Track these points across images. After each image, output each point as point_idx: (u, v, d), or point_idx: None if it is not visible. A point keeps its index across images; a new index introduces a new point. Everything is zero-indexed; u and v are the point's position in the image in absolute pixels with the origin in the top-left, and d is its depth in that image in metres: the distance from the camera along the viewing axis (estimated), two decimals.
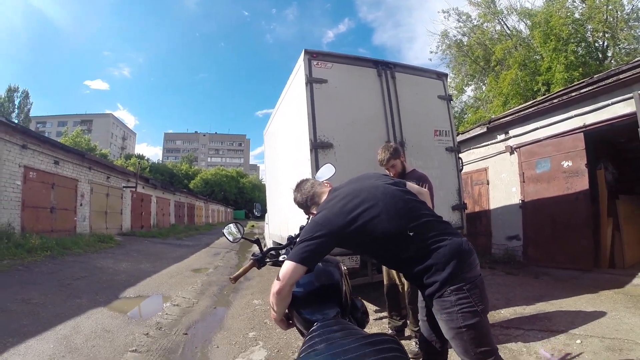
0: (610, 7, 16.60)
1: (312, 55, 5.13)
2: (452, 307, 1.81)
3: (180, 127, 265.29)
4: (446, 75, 6.40)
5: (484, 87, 22.39)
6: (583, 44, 17.91)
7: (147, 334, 4.64)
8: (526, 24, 20.39)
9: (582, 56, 17.61)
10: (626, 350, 3.53)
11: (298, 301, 1.89)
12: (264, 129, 9.83)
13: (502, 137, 9.43)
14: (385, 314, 4.56)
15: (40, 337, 4.31)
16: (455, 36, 22.88)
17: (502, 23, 21.49)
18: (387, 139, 5.19)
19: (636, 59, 6.97)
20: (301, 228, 2.25)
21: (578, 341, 3.81)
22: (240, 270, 2.06)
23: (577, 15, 17.66)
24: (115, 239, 15.45)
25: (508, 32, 21.25)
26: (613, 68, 7.48)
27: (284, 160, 6.94)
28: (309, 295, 1.91)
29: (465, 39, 22.69)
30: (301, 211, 2.36)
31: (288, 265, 1.77)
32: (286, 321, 2.00)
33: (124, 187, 19.72)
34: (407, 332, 4.09)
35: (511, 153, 9.09)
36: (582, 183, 7.44)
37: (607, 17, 16.89)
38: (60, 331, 4.57)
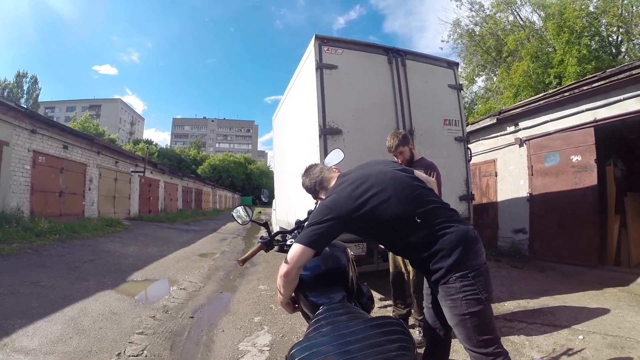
0: (625, 1, 16.35)
1: (323, 41, 5.09)
2: (456, 293, 1.82)
3: (189, 112, 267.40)
4: (457, 64, 6.34)
5: (494, 78, 22.18)
6: (597, 38, 17.68)
7: (154, 316, 4.70)
8: (540, 15, 20.12)
9: (595, 50, 17.38)
10: (628, 348, 3.52)
11: (305, 284, 1.90)
12: (272, 115, 9.83)
13: (512, 129, 9.35)
14: (389, 302, 4.58)
15: (48, 318, 4.37)
16: (467, 25, 22.68)
17: (516, 13, 21.23)
18: (397, 127, 5.17)
19: None
20: (309, 213, 2.26)
21: (580, 337, 3.81)
22: (249, 252, 2.08)
23: (591, 9, 17.40)
24: (123, 223, 15.58)
25: (521, 22, 20.98)
26: (626, 63, 7.36)
27: (293, 146, 6.94)
28: (315, 279, 1.92)
29: (477, 29, 22.46)
30: (309, 196, 2.36)
31: (296, 248, 1.77)
32: (292, 305, 2.02)
33: (132, 171, 19.84)
34: (411, 321, 4.11)
35: (520, 145, 9.02)
36: (590, 178, 7.37)
37: (622, 11, 16.64)
38: (68, 313, 4.63)
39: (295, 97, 6.53)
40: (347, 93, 5.09)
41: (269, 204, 9.61)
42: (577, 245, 7.44)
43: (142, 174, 20.64)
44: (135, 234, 13.75)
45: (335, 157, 2.55)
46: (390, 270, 4.18)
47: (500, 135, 9.78)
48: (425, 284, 2.20)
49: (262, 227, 2.31)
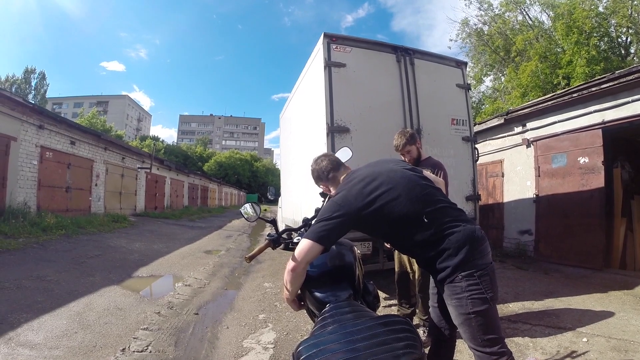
0: (635, 2, 16.21)
1: (332, 39, 5.09)
2: (462, 292, 1.83)
3: (196, 109, 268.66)
4: (465, 63, 6.31)
5: (502, 78, 22.08)
6: (606, 39, 17.59)
7: (159, 312, 4.71)
8: (549, 15, 20.04)
9: (605, 51, 17.29)
10: (632, 351, 3.50)
11: (311, 281, 1.91)
12: (279, 113, 9.84)
13: (520, 129, 9.30)
14: (394, 301, 4.57)
15: (53, 313, 4.39)
16: (475, 25, 22.61)
17: (525, 13, 21.15)
18: (404, 126, 5.15)
19: None
20: (316, 210, 2.26)
21: (584, 339, 3.79)
22: (256, 249, 2.08)
23: (601, 9, 17.30)
24: (129, 219, 15.67)
25: (530, 22, 20.90)
26: (636, 65, 7.31)
27: (300, 144, 6.94)
28: (322, 276, 1.93)
29: (485, 28, 22.39)
30: (315, 195, 2.37)
31: (304, 243, 1.78)
32: (298, 302, 2.03)
33: (138, 168, 19.95)
34: (416, 321, 4.10)
35: (528, 146, 8.97)
36: (597, 180, 7.32)
37: (631, 12, 16.51)
38: (74, 308, 4.65)
39: (303, 95, 6.53)
40: (355, 91, 5.08)
41: (274, 201, 9.65)
42: (583, 248, 7.40)
43: (148, 171, 20.74)
44: (141, 230, 13.81)
45: (343, 155, 2.56)
46: (396, 269, 4.17)
47: (508, 136, 9.73)
48: (432, 283, 2.21)
49: (268, 225, 2.32)
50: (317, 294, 1.87)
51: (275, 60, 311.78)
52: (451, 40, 25.33)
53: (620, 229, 7.39)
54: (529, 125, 9.02)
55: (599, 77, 7.70)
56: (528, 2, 20.63)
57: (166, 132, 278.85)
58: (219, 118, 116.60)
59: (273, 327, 4.33)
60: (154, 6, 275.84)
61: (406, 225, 1.90)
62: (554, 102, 8.15)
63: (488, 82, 23.47)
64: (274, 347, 3.75)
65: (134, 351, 3.53)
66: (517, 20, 21.36)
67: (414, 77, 5.48)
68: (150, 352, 3.55)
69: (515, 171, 9.47)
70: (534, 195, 8.74)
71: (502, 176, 9.94)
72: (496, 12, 21.83)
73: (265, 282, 6.62)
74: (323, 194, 2.52)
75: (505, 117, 9.62)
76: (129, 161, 18.71)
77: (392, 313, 4.34)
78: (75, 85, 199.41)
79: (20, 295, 4.88)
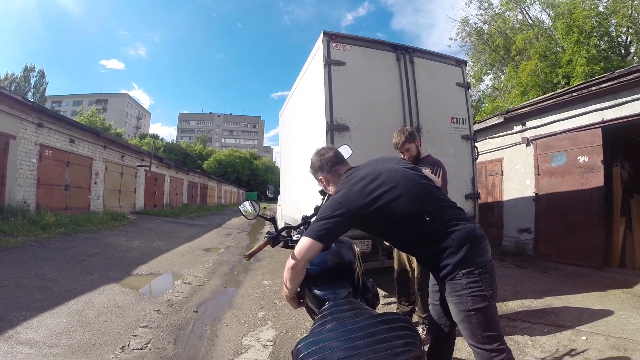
0: (635, 2, 16.21)
1: (331, 37, 5.08)
2: (462, 290, 1.85)
3: (195, 107, 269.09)
4: (465, 62, 6.31)
5: (502, 77, 22.09)
6: (606, 38, 17.59)
7: (158, 310, 4.71)
8: (549, 15, 20.03)
9: (604, 50, 17.29)
10: (631, 350, 3.51)
11: (311, 279, 1.91)
12: (279, 111, 9.82)
13: (519, 128, 9.30)
14: (393, 299, 4.58)
15: (53, 311, 4.40)
16: (475, 23, 22.63)
17: (525, 12, 21.15)
18: (404, 124, 5.15)
19: None
20: (316, 208, 2.26)
21: (583, 338, 3.80)
22: (255, 247, 2.08)
23: (601, 9, 17.29)
24: (128, 217, 15.67)
25: (530, 21, 20.90)
26: (635, 64, 7.31)
27: (299, 142, 6.94)
28: (321, 274, 1.93)
29: (485, 27, 22.39)
30: (315, 193, 2.36)
31: (305, 241, 1.78)
32: (297, 300, 2.03)
33: (138, 166, 19.94)
34: (415, 319, 4.10)
35: (527, 145, 8.97)
36: (597, 179, 7.32)
37: (631, 12, 16.51)
38: (73, 306, 4.65)
39: (303, 93, 6.52)
40: (355, 90, 5.07)
41: (274, 199, 9.64)
42: (582, 246, 7.40)
43: (148, 169, 20.73)
44: (140, 228, 13.80)
45: (343, 152, 2.55)
46: (395, 267, 4.17)
47: (507, 135, 9.73)
48: (432, 281, 2.22)
49: (267, 223, 2.32)
50: (317, 292, 1.87)
51: (274, 59, 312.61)
52: (451, 39, 25.35)
53: (619, 228, 7.40)
54: (529, 124, 9.02)
55: (599, 76, 7.70)
56: (528, 1, 20.65)
57: (165, 130, 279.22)
58: (219, 116, 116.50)
59: (272, 325, 4.33)
60: (153, 4, 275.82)
61: (407, 224, 1.91)
62: (554, 101, 8.15)
63: (488, 80, 23.53)
64: (273, 345, 3.76)
65: (133, 349, 3.53)
66: (517, 20, 21.38)
67: (414, 75, 5.47)
68: (150, 349, 3.55)
69: (515, 170, 9.48)
70: (534, 194, 8.74)
71: (502, 175, 9.94)
72: (496, 11, 21.87)
73: (265, 280, 6.63)
74: (322, 192, 2.52)
75: (505, 115, 9.62)
76: (128, 159, 18.69)
77: (392, 311, 4.35)
78: (74, 84, 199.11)
79: (19, 294, 4.88)
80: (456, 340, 2.34)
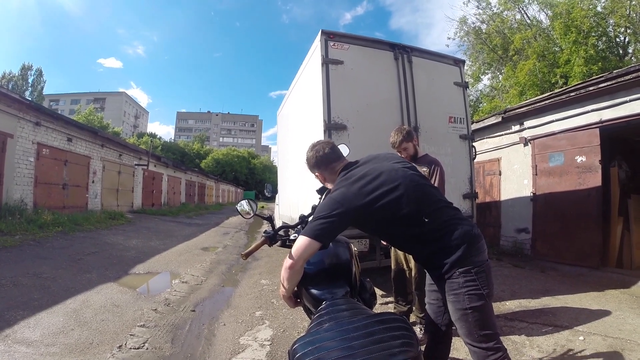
0: (633, 2, 16.20)
1: (329, 36, 5.08)
2: (459, 288, 1.86)
3: (193, 106, 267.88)
4: (463, 61, 6.31)
5: (500, 77, 22.08)
6: (604, 38, 17.58)
7: (156, 309, 4.71)
8: (547, 14, 20.03)
9: (602, 50, 17.29)
10: (628, 350, 3.51)
11: (308, 279, 1.91)
12: (277, 110, 9.81)
13: (517, 127, 9.30)
14: (391, 299, 4.57)
15: (50, 310, 4.40)
16: (474, 23, 22.59)
17: (523, 12, 21.12)
18: (401, 123, 5.15)
19: None
20: (313, 208, 2.25)
21: (581, 338, 3.80)
22: (252, 246, 2.07)
23: (599, 9, 17.26)
24: (126, 216, 15.63)
25: (528, 21, 20.89)
26: (633, 64, 7.31)
27: (297, 141, 6.93)
28: (318, 274, 1.93)
29: (484, 27, 22.35)
30: (312, 192, 2.36)
31: (302, 240, 1.77)
32: (294, 299, 2.02)
33: (135, 165, 19.90)
34: (412, 318, 4.11)
35: (525, 144, 8.98)
36: (594, 179, 7.33)
37: (629, 12, 16.50)
38: (70, 305, 4.65)
39: (301, 92, 6.52)
40: (353, 89, 5.07)
41: (271, 198, 9.64)
42: (580, 246, 7.41)
43: (145, 167, 20.68)
44: (138, 227, 13.79)
45: (341, 151, 2.55)
46: (392, 267, 4.17)
47: (505, 134, 9.74)
48: (429, 280, 2.22)
49: (265, 222, 2.32)
50: (314, 291, 1.87)
51: (273, 58, 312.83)
52: (449, 38, 25.23)
53: (617, 228, 7.40)
54: (527, 123, 9.03)
55: (597, 76, 7.70)
56: (526, 1, 20.58)
57: (163, 129, 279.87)
58: (217, 115, 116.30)
59: (270, 324, 4.33)
60: (152, 3, 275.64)
61: (405, 224, 1.91)
62: (552, 101, 8.16)
63: (486, 80, 23.51)
64: (270, 344, 3.76)
65: (130, 348, 3.53)
66: (515, 19, 21.34)
67: (412, 74, 5.47)
68: (147, 349, 3.55)
69: (513, 169, 9.48)
70: (531, 194, 8.75)
71: (500, 174, 9.95)
72: (494, 11, 21.83)
73: (262, 279, 6.63)
74: (320, 191, 2.51)
75: (502, 115, 9.62)
76: (126, 158, 18.66)
77: (389, 311, 4.34)
78: (72, 82, 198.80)
79: (16, 293, 4.87)
80: (453, 340, 2.35)
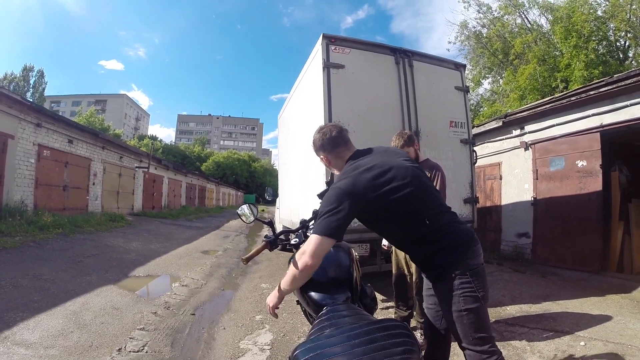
0: (634, 6, 16.24)
1: (330, 40, 5.08)
2: (455, 290, 1.87)
3: (194, 109, 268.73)
4: (464, 66, 6.32)
5: (501, 81, 22.12)
6: (604, 43, 17.63)
7: (156, 313, 4.70)
8: (547, 19, 20.08)
9: (603, 55, 17.35)
10: (629, 355, 3.50)
11: (308, 283, 1.89)
12: (278, 113, 9.83)
13: (518, 132, 9.31)
14: (391, 303, 4.56)
15: (49, 312, 4.38)
16: (474, 27, 22.65)
17: (523, 16, 21.17)
18: (402, 127, 5.14)
19: None
20: (314, 212, 2.24)
21: (582, 343, 3.79)
22: (253, 251, 2.07)
23: (599, 13, 17.31)
24: (126, 219, 15.62)
25: (529, 25, 20.94)
26: (634, 69, 7.31)
27: (298, 145, 6.93)
28: (319, 278, 1.92)
29: (484, 31, 22.40)
30: (313, 196, 2.36)
31: (318, 240, 1.75)
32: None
33: (136, 167, 19.91)
34: (413, 323, 4.09)
35: (526, 149, 8.98)
36: (595, 184, 7.33)
37: (630, 16, 16.55)
38: (70, 307, 4.64)
39: (302, 95, 6.52)
40: (354, 93, 5.07)
41: (272, 202, 9.65)
42: (580, 251, 7.40)
43: (146, 170, 20.69)
44: (138, 229, 13.78)
45: None
46: (393, 271, 4.16)
47: (506, 139, 9.74)
48: (426, 284, 2.22)
49: (265, 226, 2.31)
50: (314, 297, 1.86)
51: (274, 61, 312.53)
52: (450, 42, 25.30)
53: (617, 233, 7.39)
54: (527, 128, 9.03)
55: (598, 80, 7.71)
56: (527, 5, 20.67)
57: (164, 132, 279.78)
58: (217, 118, 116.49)
59: (270, 329, 4.32)
60: (153, 5, 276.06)
61: (407, 222, 1.92)
62: (552, 105, 8.16)
63: (486, 84, 23.55)
64: (270, 349, 3.75)
65: (130, 351, 3.52)
66: (515, 23, 21.40)
67: (413, 79, 5.47)
68: (147, 352, 3.54)
69: (513, 174, 9.48)
70: (532, 198, 8.74)
71: (500, 179, 9.95)
72: (495, 15, 21.89)
73: (263, 283, 6.62)
74: (321, 195, 2.50)
75: (503, 119, 9.63)
76: (126, 160, 18.67)
77: (390, 317, 4.34)
78: (73, 84, 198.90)
79: (16, 294, 4.86)
80: (453, 346, 2.34)
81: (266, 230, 2.25)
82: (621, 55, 18.15)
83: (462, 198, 5.65)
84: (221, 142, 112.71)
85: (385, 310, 4.86)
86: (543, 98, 11.32)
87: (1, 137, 10.10)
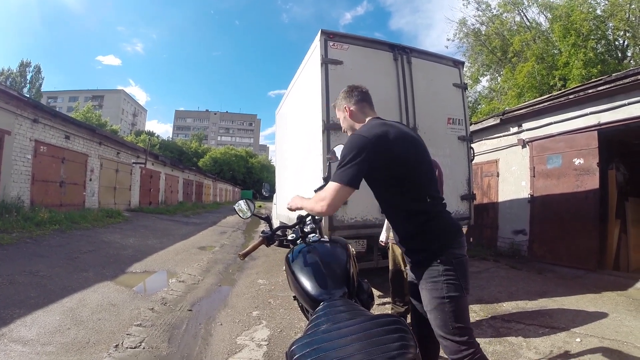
0: (633, 5, 16.25)
1: (329, 36, 5.08)
2: (438, 276, 1.89)
3: (192, 104, 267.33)
4: (462, 63, 6.32)
5: (499, 79, 22.12)
6: (603, 42, 17.65)
7: (152, 309, 4.70)
8: (546, 17, 20.08)
9: (601, 54, 17.35)
10: (625, 352, 3.51)
11: (305, 280, 1.90)
12: (275, 109, 9.81)
13: (515, 129, 9.32)
14: (388, 299, 4.58)
15: (46, 309, 4.38)
16: (473, 25, 22.64)
17: (522, 14, 21.18)
18: None
19: None
20: (316, 192, 2.24)
21: (578, 339, 3.81)
22: (250, 247, 2.07)
23: (598, 12, 17.32)
24: (123, 215, 15.62)
25: (527, 23, 20.94)
26: (632, 68, 7.33)
27: (295, 141, 6.93)
28: (316, 275, 1.92)
29: (483, 28, 22.41)
30: (311, 193, 2.34)
31: (338, 188, 1.84)
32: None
33: (133, 163, 19.85)
34: (409, 319, 4.10)
35: (523, 146, 8.99)
36: (592, 182, 7.35)
37: (629, 15, 16.56)
38: (67, 304, 4.63)
39: (300, 91, 6.51)
40: None
41: (269, 198, 9.63)
42: (577, 249, 7.42)
43: (143, 166, 20.63)
44: (135, 225, 13.76)
45: (337, 153, 2.54)
46: (390, 267, 4.17)
47: (504, 136, 9.76)
48: (414, 280, 2.18)
49: (263, 222, 2.31)
50: (311, 292, 1.86)
51: (272, 57, 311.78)
52: (449, 39, 25.26)
53: (614, 231, 7.42)
54: (525, 125, 9.05)
55: (596, 79, 7.72)
56: (526, 3, 20.67)
57: (161, 128, 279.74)
58: (215, 114, 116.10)
59: (267, 324, 4.32)
60: (151, 0, 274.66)
61: (410, 194, 1.96)
62: (550, 103, 8.18)
63: (485, 82, 23.56)
64: (267, 344, 3.75)
65: (127, 347, 3.52)
66: (514, 21, 21.41)
67: (411, 75, 5.48)
68: (144, 348, 3.53)
69: (510, 171, 9.50)
70: (529, 196, 8.76)
71: (497, 176, 9.97)
72: (494, 13, 21.88)
73: (260, 279, 6.62)
74: (319, 190, 2.50)
75: (501, 117, 9.64)
76: (123, 156, 18.61)
77: (387, 312, 4.35)
78: (70, 79, 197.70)
79: (13, 291, 4.85)
80: None
81: (263, 226, 2.23)
82: (620, 55, 18.18)
83: (459, 195, 5.67)
84: (218, 138, 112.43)
85: (382, 306, 4.87)
86: (541, 96, 11.34)
87: None
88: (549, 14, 19.58)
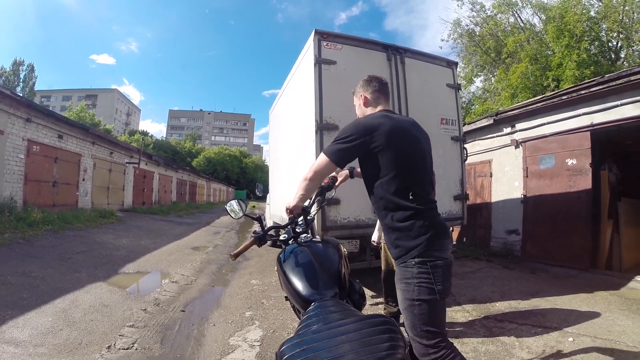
0: (627, 7, 16.35)
1: (323, 36, 5.08)
2: (412, 278, 1.88)
3: (186, 104, 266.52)
4: (456, 63, 6.34)
5: (493, 79, 22.20)
6: (596, 43, 17.74)
7: (145, 309, 4.68)
8: (540, 18, 20.18)
9: (595, 55, 17.44)
10: (617, 351, 3.53)
11: (296, 280, 1.90)
12: (269, 109, 9.79)
13: (508, 130, 9.36)
14: (381, 299, 4.57)
15: (39, 310, 4.35)
16: (467, 25, 22.71)
17: (516, 15, 21.25)
18: None
19: None
20: (304, 209, 2.25)
21: (570, 339, 3.82)
22: (241, 247, 2.06)
23: (592, 13, 17.41)
24: (116, 215, 15.53)
25: (521, 24, 21.02)
26: (625, 69, 7.38)
27: (289, 141, 6.92)
28: (307, 275, 1.92)
29: (477, 29, 22.48)
30: None
31: (322, 159, 2.02)
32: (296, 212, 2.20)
33: (127, 163, 19.73)
34: (402, 319, 4.11)
35: (516, 147, 9.03)
36: (585, 182, 7.39)
37: (622, 17, 16.66)
38: (59, 305, 4.60)
39: (293, 91, 6.51)
40: (345, 89, 5.03)
41: (263, 198, 9.62)
42: (570, 248, 7.46)
43: (136, 166, 20.52)
44: (128, 225, 13.69)
45: None
46: (382, 268, 4.18)
47: (497, 136, 9.79)
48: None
49: (256, 222, 2.30)
50: (302, 292, 1.86)
51: (266, 57, 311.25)
52: (443, 40, 25.37)
53: (606, 231, 7.46)
54: (518, 126, 9.08)
55: (589, 80, 7.77)
56: (520, 4, 20.74)
57: (155, 127, 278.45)
58: (209, 113, 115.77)
59: (259, 325, 4.32)
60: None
61: (393, 187, 1.97)
62: (544, 104, 8.22)
63: (478, 82, 23.62)
64: (260, 345, 3.75)
65: (119, 348, 3.50)
66: (508, 22, 21.46)
67: (404, 75, 5.49)
68: (136, 349, 3.52)
69: (504, 171, 9.54)
70: (522, 196, 8.80)
71: (491, 176, 10.00)
72: (488, 14, 21.94)
73: (253, 279, 6.61)
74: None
75: (494, 117, 9.68)
76: (117, 156, 18.50)
77: (378, 312, 4.35)
78: (64, 78, 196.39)
79: (5, 292, 4.81)
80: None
81: (256, 226, 2.23)
82: (613, 56, 18.27)
83: (452, 195, 5.68)
84: (212, 138, 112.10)
85: (374, 306, 4.88)
86: (534, 97, 11.38)
87: None
88: (543, 15, 19.69)
